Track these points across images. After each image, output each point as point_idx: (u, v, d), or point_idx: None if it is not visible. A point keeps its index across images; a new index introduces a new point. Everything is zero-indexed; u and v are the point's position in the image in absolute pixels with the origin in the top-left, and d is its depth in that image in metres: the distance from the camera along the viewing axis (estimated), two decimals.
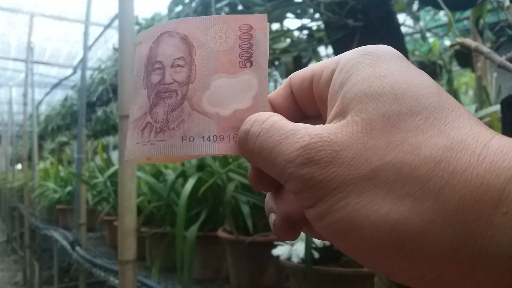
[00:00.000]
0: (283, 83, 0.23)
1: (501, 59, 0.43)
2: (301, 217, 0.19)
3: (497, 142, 0.15)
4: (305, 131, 0.17)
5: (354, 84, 0.18)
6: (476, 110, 1.28)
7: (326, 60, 0.20)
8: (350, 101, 0.17)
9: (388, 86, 0.17)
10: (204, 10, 1.32)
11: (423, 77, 0.18)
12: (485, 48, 0.46)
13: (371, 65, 0.18)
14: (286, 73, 1.70)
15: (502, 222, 0.14)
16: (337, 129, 0.17)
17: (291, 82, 0.22)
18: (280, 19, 1.30)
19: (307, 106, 0.22)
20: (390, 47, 0.19)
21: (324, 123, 0.18)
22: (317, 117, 0.22)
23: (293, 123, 0.18)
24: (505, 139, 0.15)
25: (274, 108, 0.22)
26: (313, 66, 0.21)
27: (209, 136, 0.21)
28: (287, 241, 0.89)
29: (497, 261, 0.14)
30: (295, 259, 0.84)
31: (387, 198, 0.15)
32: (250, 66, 0.21)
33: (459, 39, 0.49)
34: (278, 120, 0.19)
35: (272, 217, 0.21)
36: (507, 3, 0.42)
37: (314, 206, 0.17)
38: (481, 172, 0.14)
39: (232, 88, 0.21)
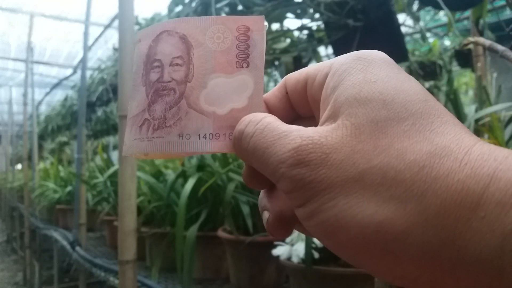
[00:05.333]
0: (279, 84, 0.23)
1: None
2: (294, 215, 0.20)
3: (479, 148, 0.16)
4: (297, 133, 0.18)
5: (346, 89, 0.18)
6: (476, 110, 1.28)
7: (320, 63, 0.21)
8: (341, 105, 0.18)
9: (377, 92, 0.18)
10: (204, 10, 1.32)
11: (412, 83, 0.18)
12: (500, 46, 0.45)
13: (362, 71, 0.19)
14: (286, 73, 1.70)
15: (479, 225, 0.14)
16: (328, 132, 0.18)
17: (286, 83, 0.23)
18: (280, 19, 1.30)
19: (301, 107, 0.23)
20: (382, 52, 0.20)
21: (317, 124, 0.19)
22: (311, 118, 0.23)
23: (286, 124, 0.19)
24: (486, 146, 0.16)
25: (269, 108, 0.23)
26: (307, 69, 0.22)
27: (205, 134, 0.21)
28: (287, 241, 0.89)
29: (475, 262, 0.14)
30: (295, 259, 0.84)
31: (373, 200, 0.16)
32: (246, 67, 0.22)
33: (471, 38, 0.48)
34: (272, 121, 0.19)
35: (266, 215, 0.21)
36: None
37: (304, 205, 0.17)
38: (462, 177, 0.15)
39: (228, 88, 0.22)
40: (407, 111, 0.17)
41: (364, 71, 0.18)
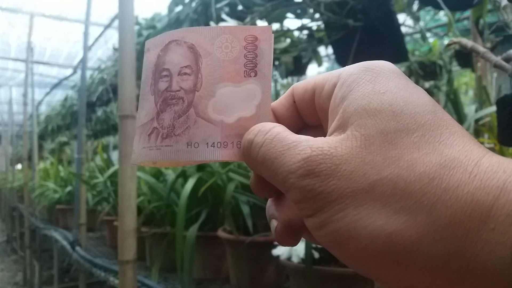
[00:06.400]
0: (286, 92, 0.23)
1: (497, 58, 0.44)
2: (302, 224, 0.20)
3: (488, 160, 0.16)
4: (307, 144, 0.18)
5: (355, 100, 0.18)
6: (476, 110, 1.28)
7: (328, 73, 0.21)
8: (350, 115, 0.18)
9: (386, 103, 0.18)
10: (204, 10, 1.32)
11: (420, 94, 0.18)
12: (481, 48, 0.46)
13: (371, 82, 0.19)
14: (286, 73, 1.70)
15: (489, 237, 0.14)
16: (337, 143, 0.18)
17: (294, 92, 0.23)
18: (280, 19, 1.30)
19: (308, 116, 0.23)
20: (390, 63, 0.20)
21: (324, 133, 0.19)
22: (318, 127, 0.23)
23: (295, 135, 0.19)
24: (495, 158, 0.16)
25: (277, 117, 0.23)
26: (315, 78, 0.22)
27: (214, 143, 0.22)
28: None
29: (484, 274, 0.14)
30: (295, 259, 0.84)
31: (383, 211, 0.16)
32: (254, 76, 0.22)
33: (455, 39, 0.49)
34: (281, 131, 0.19)
35: (274, 223, 0.21)
36: (503, 3, 0.42)
37: (314, 216, 0.17)
38: (471, 189, 0.15)
39: (236, 97, 0.22)
40: (416, 123, 0.17)
41: (373, 82, 0.19)
